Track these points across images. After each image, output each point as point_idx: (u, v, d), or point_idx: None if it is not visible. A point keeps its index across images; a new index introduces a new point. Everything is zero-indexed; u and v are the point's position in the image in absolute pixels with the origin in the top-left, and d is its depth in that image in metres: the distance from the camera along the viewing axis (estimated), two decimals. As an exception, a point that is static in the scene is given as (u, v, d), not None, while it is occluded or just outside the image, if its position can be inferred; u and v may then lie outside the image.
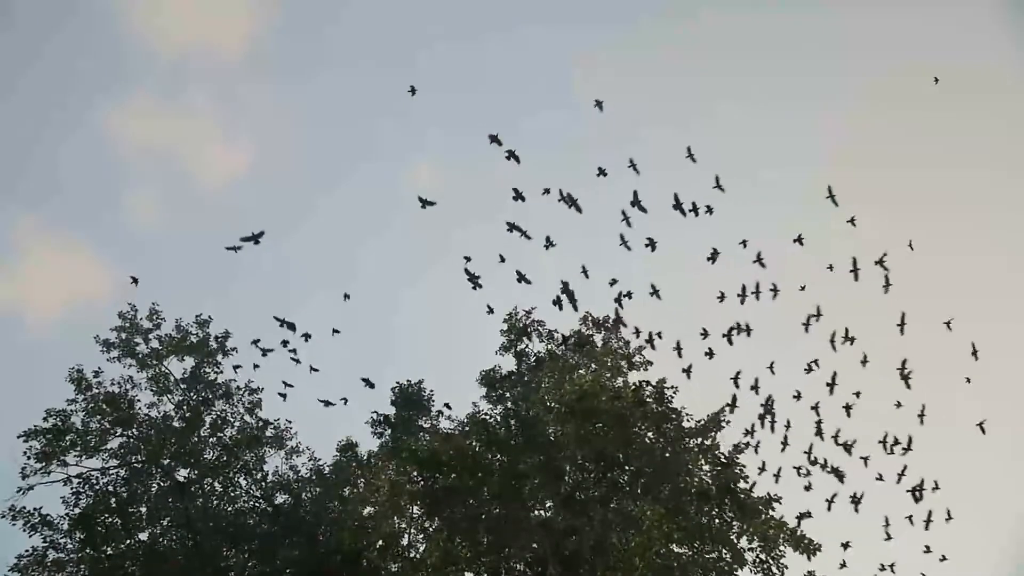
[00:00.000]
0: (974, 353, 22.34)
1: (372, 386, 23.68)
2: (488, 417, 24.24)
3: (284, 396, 24.46)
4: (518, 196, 20.97)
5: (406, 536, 24.51)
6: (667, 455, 21.82)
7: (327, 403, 23.60)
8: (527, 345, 26.53)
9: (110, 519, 22.94)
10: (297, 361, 23.54)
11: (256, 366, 24.78)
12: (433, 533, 23.58)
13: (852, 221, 22.20)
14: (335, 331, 23.66)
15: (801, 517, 21.48)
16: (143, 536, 23.41)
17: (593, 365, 25.54)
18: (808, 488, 23.13)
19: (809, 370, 22.83)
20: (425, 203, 21.04)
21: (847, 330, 22.36)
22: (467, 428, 24.10)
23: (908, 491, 22.57)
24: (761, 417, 23.19)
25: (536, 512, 22.29)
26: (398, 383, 26.40)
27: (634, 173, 21.68)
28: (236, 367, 25.93)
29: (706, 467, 22.07)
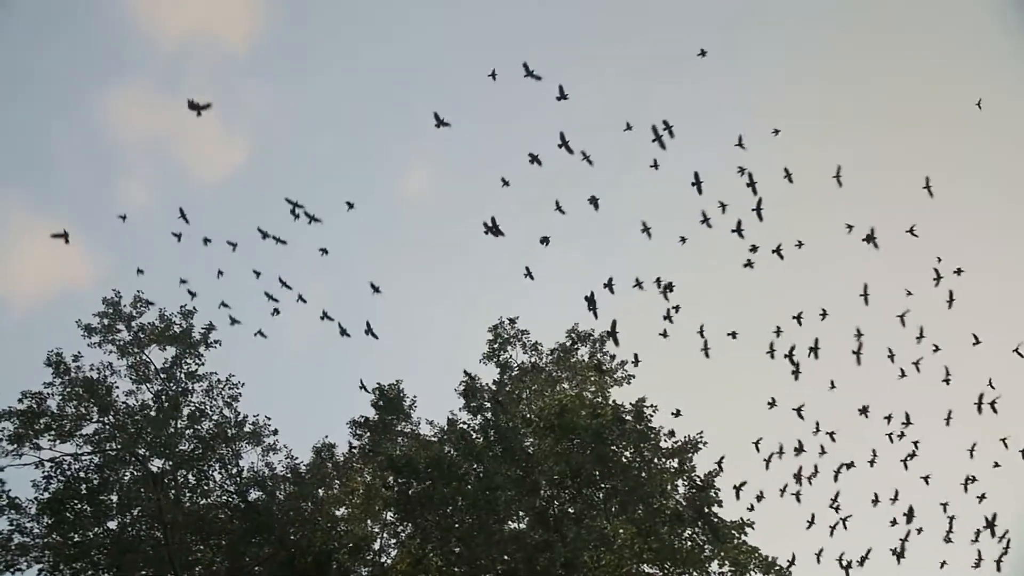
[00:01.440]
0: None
1: (346, 334, 23.22)
2: (466, 426, 24.25)
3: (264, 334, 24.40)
4: (534, 159, 20.37)
5: (378, 541, 24.48)
6: (643, 475, 21.88)
7: (342, 329, 22.96)
8: (510, 355, 26.61)
9: (80, 505, 22.70)
10: (287, 287, 23.30)
11: (235, 321, 24.59)
12: (405, 539, 23.55)
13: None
14: (323, 251, 23.28)
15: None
16: (112, 525, 23.19)
17: (577, 379, 25.63)
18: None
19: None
20: (440, 123, 20.46)
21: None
22: (445, 436, 24.07)
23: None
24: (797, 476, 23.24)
25: (510, 525, 22.28)
26: (379, 385, 26.36)
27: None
28: (208, 335, 25.71)
29: (681, 489, 22.17)
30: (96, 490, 23.02)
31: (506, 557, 21.68)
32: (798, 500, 23.61)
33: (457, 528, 22.35)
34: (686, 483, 22.23)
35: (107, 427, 24.13)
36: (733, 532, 21.61)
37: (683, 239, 21.70)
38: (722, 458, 22.67)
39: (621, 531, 20.13)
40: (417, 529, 23.27)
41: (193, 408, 25.30)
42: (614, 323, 22.13)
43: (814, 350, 22.40)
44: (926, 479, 23.87)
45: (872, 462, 23.80)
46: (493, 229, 20.28)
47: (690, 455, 22.66)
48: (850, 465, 23.93)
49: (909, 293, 23.21)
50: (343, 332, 22.90)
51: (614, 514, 21.18)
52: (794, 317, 22.58)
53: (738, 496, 22.98)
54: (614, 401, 23.54)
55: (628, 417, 22.59)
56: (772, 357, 22.53)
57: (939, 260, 22.46)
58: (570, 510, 21.99)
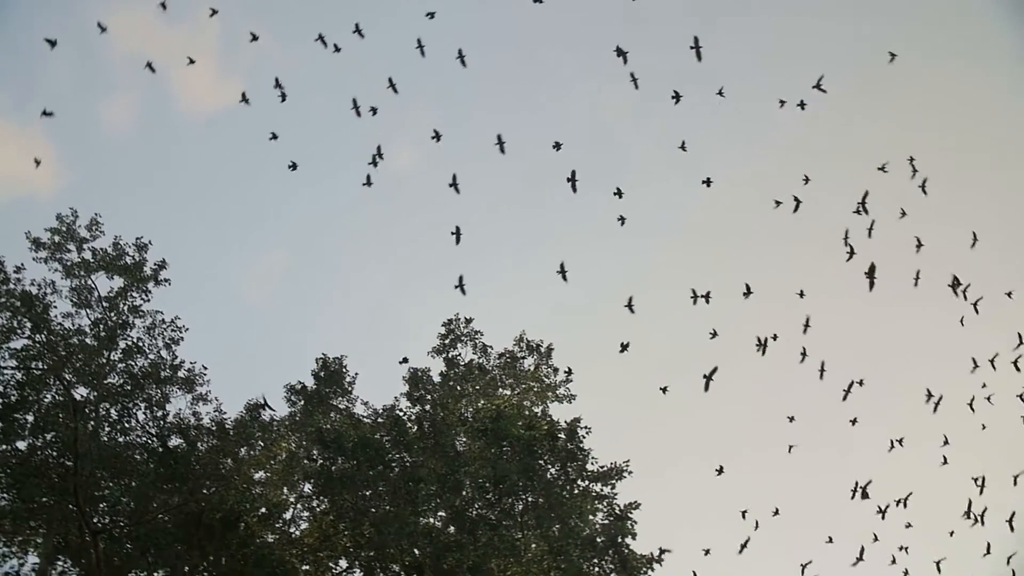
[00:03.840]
0: None
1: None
2: (404, 414, 24.21)
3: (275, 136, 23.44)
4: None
5: (291, 510, 24.27)
6: (564, 494, 22.12)
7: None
8: (459, 353, 26.64)
9: (-8, 418, 22.00)
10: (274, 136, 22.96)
11: None
12: (319, 514, 23.42)
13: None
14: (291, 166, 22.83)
15: None
16: (21, 445, 22.52)
17: (520, 388, 25.81)
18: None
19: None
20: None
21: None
22: (380, 420, 24.00)
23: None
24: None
25: (426, 520, 22.31)
26: (324, 356, 26.12)
27: None
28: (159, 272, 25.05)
29: (600, 515, 22.45)
30: (13, 407, 22.29)
31: (416, 551, 21.73)
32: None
33: (373, 513, 22.33)
34: (605, 509, 22.53)
35: (37, 345, 23.40)
36: (643, 566, 21.94)
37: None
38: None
39: (533, 545, 20.35)
40: (333, 506, 23.18)
41: (130, 343, 24.67)
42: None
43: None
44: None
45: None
46: (457, 235, 20.21)
47: (614, 482, 22.99)
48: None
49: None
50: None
51: (529, 528, 21.38)
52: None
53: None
54: (551, 416, 23.75)
55: (561, 435, 22.81)
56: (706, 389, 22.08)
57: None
58: (488, 515, 22.11)
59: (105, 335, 24.36)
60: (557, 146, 20.95)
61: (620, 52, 20.19)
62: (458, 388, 25.59)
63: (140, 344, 24.69)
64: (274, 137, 23.12)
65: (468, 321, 27.13)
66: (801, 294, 21.62)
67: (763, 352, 21.28)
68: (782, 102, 20.94)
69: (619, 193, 20.97)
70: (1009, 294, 23.04)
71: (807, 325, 21.31)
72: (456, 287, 20.54)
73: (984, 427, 23.29)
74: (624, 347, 21.25)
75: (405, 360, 25.37)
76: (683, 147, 21.10)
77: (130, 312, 25.10)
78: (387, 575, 22.50)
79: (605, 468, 23.23)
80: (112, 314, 24.90)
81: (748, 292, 20.86)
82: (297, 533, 23.99)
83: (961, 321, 22.40)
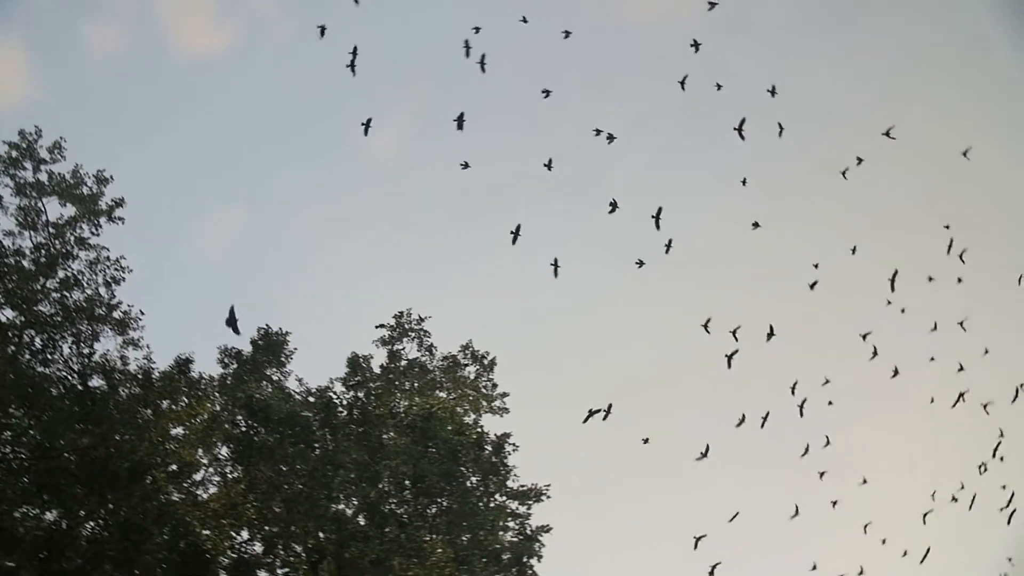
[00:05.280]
0: None
1: None
2: (336, 398, 24.00)
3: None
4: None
5: (202, 472, 23.77)
6: (480, 505, 22.22)
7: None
8: (404, 347, 26.57)
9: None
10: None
11: None
12: (230, 481, 23.01)
13: None
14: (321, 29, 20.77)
15: None
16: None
17: (456, 393, 25.86)
18: None
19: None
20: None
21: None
22: (311, 399, 23.75)
23: None
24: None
25: (337, 506, 22.11)
26: (266, 326, 25.72)
27: None
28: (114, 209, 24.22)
29: (510, 532, 22.59)
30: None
31: (321, 535, 21.53)
32: None
33: (286, 489, 22.07)
34: (517, 527, 22.69)
35: (-31, 258, 22.57)
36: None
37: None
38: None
39: (439, 550, 20.37)
40: (246, 475, 22.85)
41: (69, 274, 23.96)
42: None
43: None
44: None
45: None
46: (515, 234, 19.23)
47: (531, 502, 23.18)
48: None
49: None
50: None
51: (439, 532, 21.39)
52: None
53: None
54: (482, 427, 23.88)
55: (488, 446, 22.93)
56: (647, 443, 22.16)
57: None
58: (400, 512, 22.04)
59: (45, 261, 23.63)
60: (548, 165, 20.42)
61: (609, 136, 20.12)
62: (396, 382, 25.50)
63: (79, 277, 24.00)
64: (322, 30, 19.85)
65: (421, 319, 27.09)
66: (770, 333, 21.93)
67: (729, 365, 21.26)
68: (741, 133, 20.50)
69: (614, 205, 20.03)
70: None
71: (771, 334, 21.71)
72: (512, 233, 18.99)
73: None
74: (592, 414, 19.85)
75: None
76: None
77: (76, 243, 24.39)
78: (288, 553, 22.19)
79: (525, 487, 23.42)
80: (57, 241, 24.17)
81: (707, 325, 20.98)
82: (204, 496, 23.49)
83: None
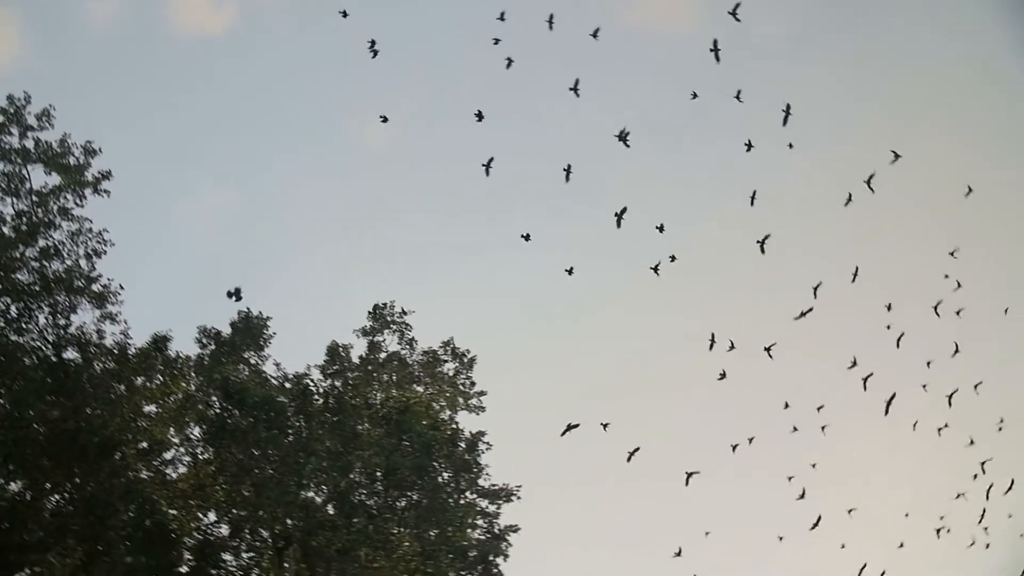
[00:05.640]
0: None
1: None
2: (313, 386, 23.92)
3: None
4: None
5: (172, 451, 23.60)
6: (450, 501, 22.26)
7: None
8: (385, 339, 26.51)
9: None
10: None
11: None
12: (201, 462, 22.88)
13: None
14: None
15: None
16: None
17: (434, 388, 25.85)
18: None
19: None
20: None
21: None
22: (288, 385, 23.65)
23: None
24: None
25: (307, 493, 22.06)
26: (248, 310, 25.55)
27: None
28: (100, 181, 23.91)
29: (479, 531, 22.65)
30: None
31: (289, 521, 21.47)
32: None
33: (256, 473, 21.98)
34: (485, 526, 22.75)
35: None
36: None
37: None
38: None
39: (406, 543, 20.37)
40: (217, 457, 22.73)
41: (50, 244, 23.67)
42: None
43: None
44: None
45: None
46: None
47: (501, 502, 23.24)
48: None
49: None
50: None
51: (407, 525, 21.40)
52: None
53: None
54: (457, 423, 23.90)
55: (462, 443, 22.97)
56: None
57: None
58: (370, 503, 22.03)
59: (26, 229, 23.33)
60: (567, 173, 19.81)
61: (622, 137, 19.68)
62: (375, 373, 25.45)
63: (60, 247, 23.72)
64: None
65: (404, 312, 27.03)
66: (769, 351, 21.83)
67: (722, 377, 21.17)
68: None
69: (620, 216, 19.69)
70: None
71: (769, 351, 21.65)
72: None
73: None
74: (570, 428, 19.38)
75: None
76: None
77: (59, 213, 24.09)
78: (254, 538, 22.11)
79: (496, 487, 23.48)
80: (40, 210, 23.86)
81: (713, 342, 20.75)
82: (173, 476, 23.34)
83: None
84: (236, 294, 21.32)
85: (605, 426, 20.34)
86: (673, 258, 20.31)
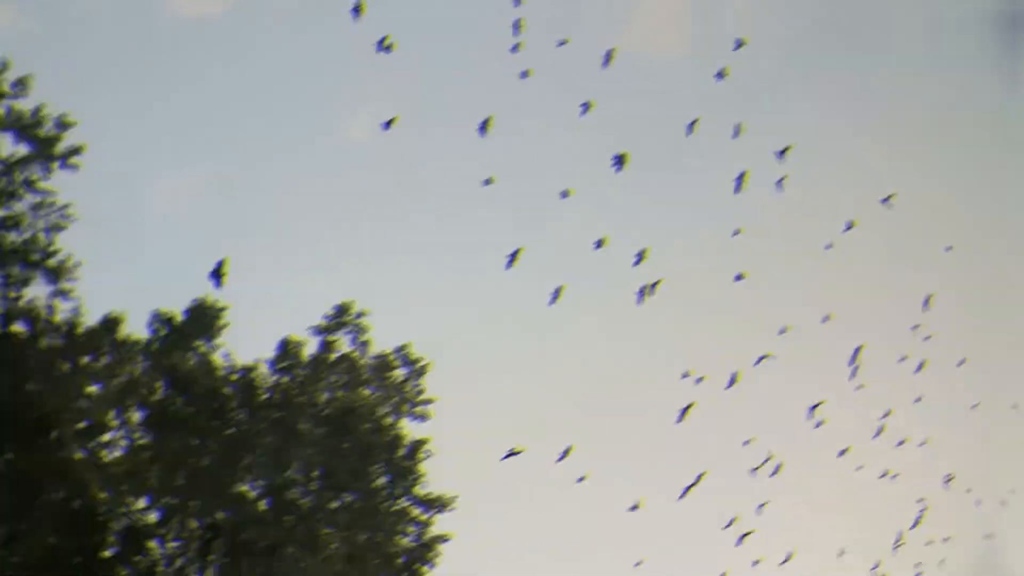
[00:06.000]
0: None
1: None
2: (260, 380, 23.83)
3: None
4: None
5: (110, 434, 23.37)
6: (385, 505, 22.20)
7: None
8: (339, 339, 26.43)
9: None
10: None
11: None
12: (136, 447, 22.69)
13: None
14: None
15: None
16: None
17: (381, 392, 25.80)
18: None
19: None
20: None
21: None
22: (235, 376, 23.56)
23: None
24: None
25: (242, 487, 21.93)
26: (202, 298, 25.43)
27: None
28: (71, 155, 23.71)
29: (409, 538, 22.56)
30: None
31: (219, 514, 21.32)
32: None
33: (192, 463, 21.83)
34: (416, 532, 22.68)
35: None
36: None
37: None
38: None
39: (334, 545, 20.27)
40: (155, 444, 22.54)
41: (10, 214, 23.54)
42: None
43: None
44: None
45: None
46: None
47: (435, 511, 23.19)
48: None
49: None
50: None
51: (338, 527, 21.31)
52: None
53: None
54: (400, 430, 23.85)
55: (403, 450, 22.96)
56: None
57: None
58: (303, 502, 21.92)
59: (-14, 196, 23.19)
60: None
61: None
62: (323, 373, 25.37)
63: (19, 219, 23.58)
64: None
65: (362, 314, 27.00)
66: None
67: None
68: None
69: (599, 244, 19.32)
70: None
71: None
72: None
73: None
74: (512, 454, 19.28)
75: None
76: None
77: (23, 184, 23.99)
78: (183, 527, 21.89)
79: (432, 495, 23.41)
80: (3, 179, 23.74)
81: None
82: (107, 458, 23.08)
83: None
84: (217, 275, 21.15)
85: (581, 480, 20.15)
86: (655, 285, 20.19)
